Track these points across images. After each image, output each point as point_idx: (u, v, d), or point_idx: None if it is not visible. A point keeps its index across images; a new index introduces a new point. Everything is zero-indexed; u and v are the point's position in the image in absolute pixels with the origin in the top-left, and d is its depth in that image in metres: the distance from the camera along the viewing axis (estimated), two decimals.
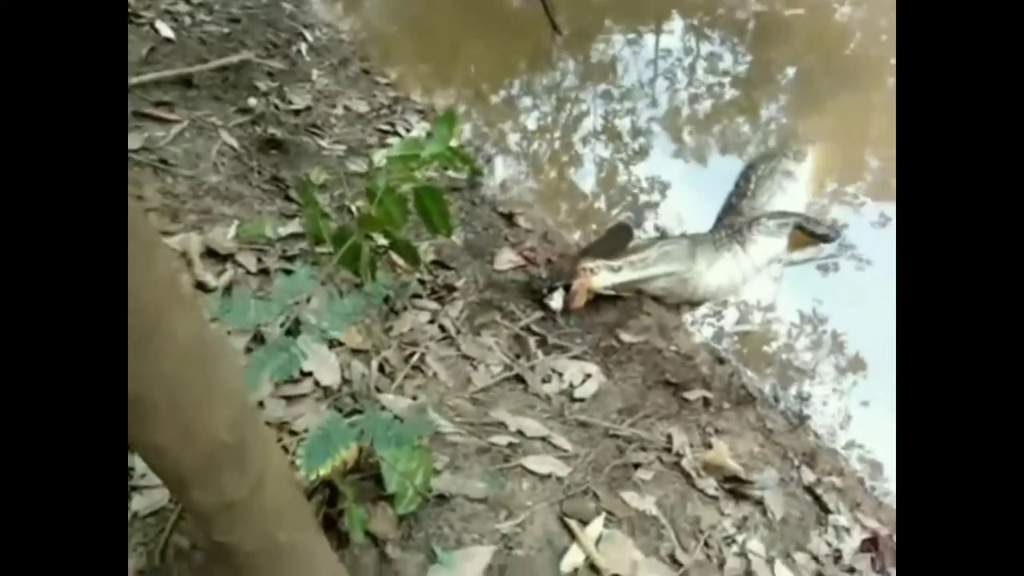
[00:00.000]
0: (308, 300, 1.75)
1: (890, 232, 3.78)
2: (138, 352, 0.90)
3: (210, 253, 2.45)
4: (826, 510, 2.51)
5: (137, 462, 1.70)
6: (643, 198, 4.02)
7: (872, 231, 3.79)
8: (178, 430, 1.01)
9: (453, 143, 2.19)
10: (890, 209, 3.89)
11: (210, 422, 1.05)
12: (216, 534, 1.20)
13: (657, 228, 3.73)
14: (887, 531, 2.56)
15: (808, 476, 2.61)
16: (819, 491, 2.57)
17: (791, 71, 5.19)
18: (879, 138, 4.45)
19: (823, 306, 3.43)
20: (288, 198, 2.94)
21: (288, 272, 2.46)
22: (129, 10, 3.48)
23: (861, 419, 3.08)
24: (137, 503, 1.64)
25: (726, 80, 5.09)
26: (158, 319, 0.90)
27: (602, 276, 2.95)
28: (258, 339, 2.06)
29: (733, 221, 3.50)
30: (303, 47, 4.06)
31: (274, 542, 1.25)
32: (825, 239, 3.55)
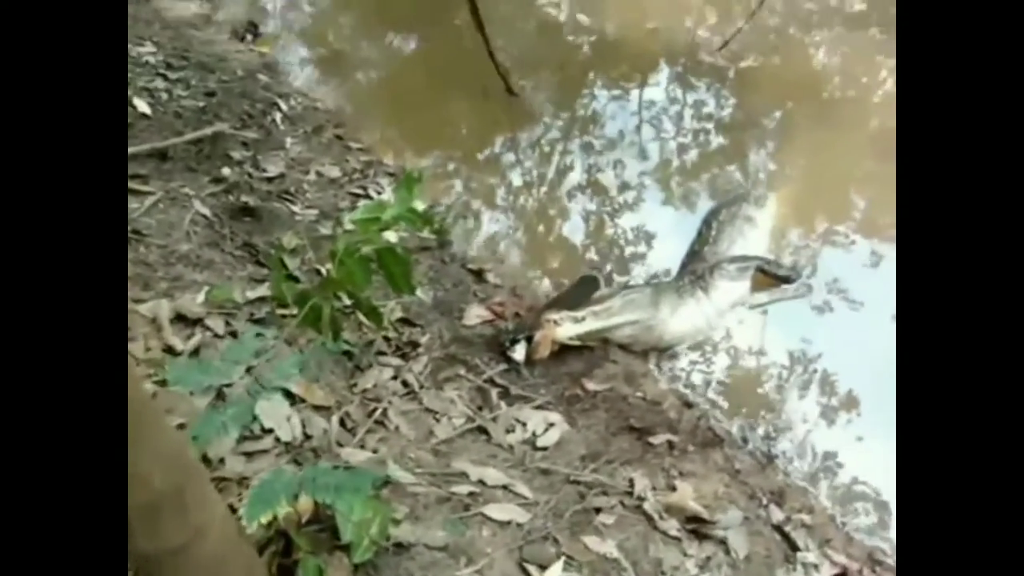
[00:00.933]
0: (267, 360, 1.83)
1: (881, 272, 3.87)
2: None
3: (179, 318, 2.53)
4: (795, 547, 2.55)
5: None
6: (629, 249, 4.10)
7: (863, 272, 3.87)
8: None
9: (421, 205, 2.28)
10: (880, 247, 3.99)
11: (145, 474, 1.12)
12: None
13: (647, 278, 3.82)
14: (857, 566, 2.59)
15: (777, 514, 2.65)
16: (788, 529, 2.60)
17: (775, 116, 5.32)
18: (864, 177, 4.55)
19: (813, 346, 3.50)
20: (259, 263, 3.03)
21: (259, 335, 2.54)
22: None
23: (856, 454, 3.12)
24: None
25: (710, 126, 5.22)
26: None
27: (566, 327, 3.03)
28: (221, 398, 2.13)
29: (696, 267, 3.59)
30: (277, 116, 4.20)
31: None
32: (787, 280, 3.65)
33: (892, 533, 2.83)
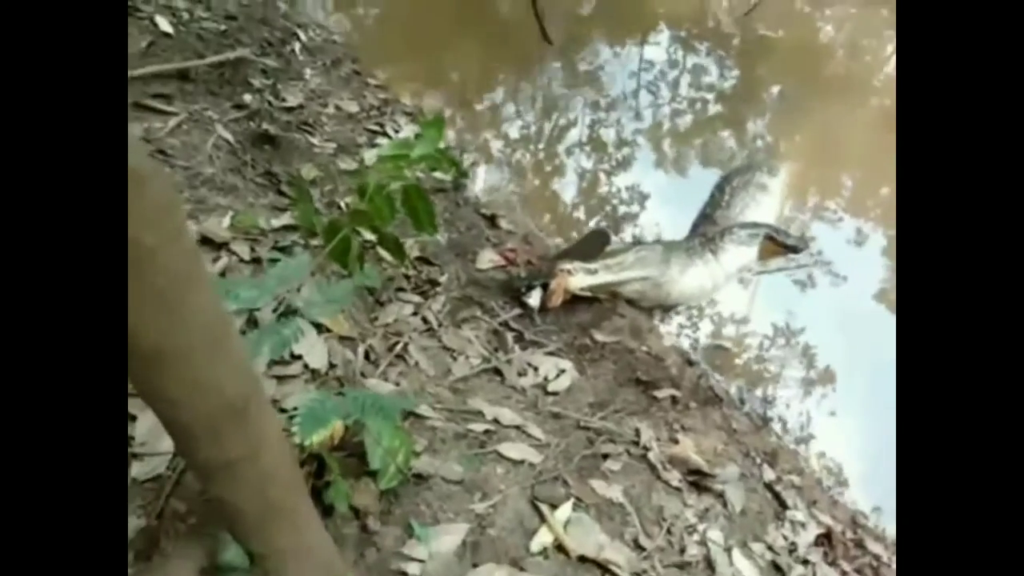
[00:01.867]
0: (299, 289, 1.86)
1: (865, 250, 3.95)
2: (161, 310, 1.02)
3: (205, 241, 2.55)
4: (784, 505, 2.64)
5: (137, 431, 1.81)
6: (622, 209, 4.16)
7: (848, 248, 3.97)
8: (190, 386, 1.12)
9: (441, 143, 2.31)
10: (866, 226, 4.07)
11: (219, 382, 1.16)
12: (215, 489, 1.31)
13: (634, 237, 3.88)
14: (840, 527, 2.70)
15: (769, 474, 2.75)
16: (778, 488, 2.70)
17: (774, 89, 5.35)
18: (858, 156, 4.61)
19: (796, 319, 3.60)
20: (280, 192, 3.04)
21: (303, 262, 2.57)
22: (129, 4, 3.57)
23: (828, 428, 3.24)
24: (136, 470, 1.75)
25: (710, 95, 5.25)
26: (184, 284, 1.01)
27: (579, 277, 3.09)
28: (252, 322, 2.17)
29: (707, 230, 3.65)
30: (297, 46, 4.17)
31: (267, 500, 1.36)
32: (794, 249, 3.71)
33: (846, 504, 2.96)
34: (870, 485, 3.02)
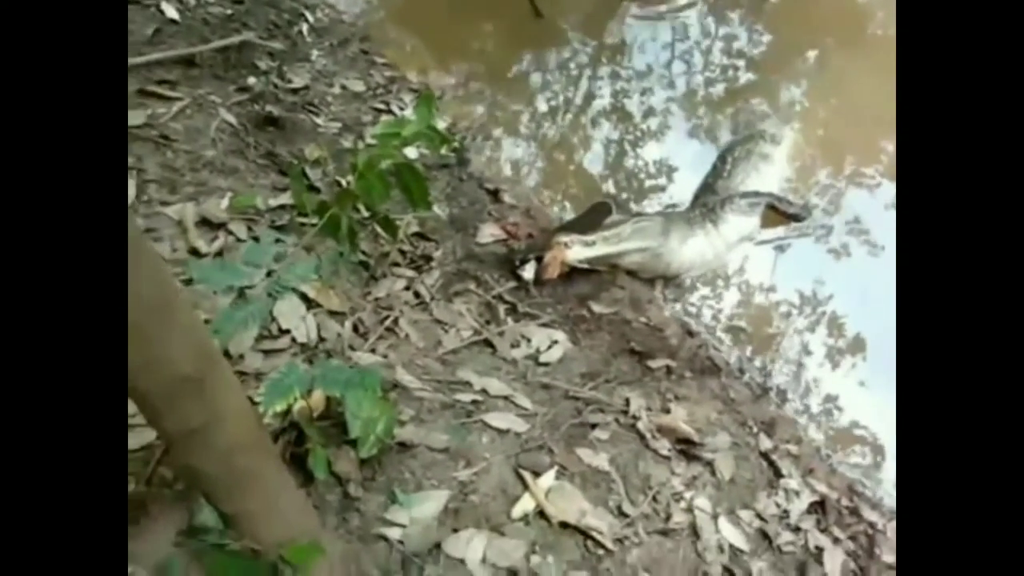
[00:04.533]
0: (269, 259, 1.93)
1: None
2: None
3: (204, 222, 2.63)
4: (778, 474, 2.67)
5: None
6: (648, 182, 4.15)
7: (887, 215, 3.88)
8: (142, 359, 1.20)
9: (441, 123, 2.35)
10: None
11: (170, 355, 1.24)
12: (181, 457, 1.39)
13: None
14: (836, 495, 2.72)
15: (765, 443, 2.77)
16: (774, 457, 2.73)
17: (810, 53, 5.25)
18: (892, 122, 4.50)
19: (825, 287, 3.56)
20: (282, 172, 3.11)
21: (278, 241, 2.65)
22: None
23: (857, 399, 3.21)
24: (129, 440, 1.84)
25: (741, 62, 5.18)
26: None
27: (576, 250, 3.11)
28: (242, 298, 2.24)
29: (707, 200, 3.65)
30: (304, 28, 4.22)
31: (233, 466, 1.44)
32: (796, 218, 3.70)
33: (883, 474, 2.94)
34: None
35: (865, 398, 3.22)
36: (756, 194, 3.65)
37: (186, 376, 1.27)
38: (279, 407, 1.55)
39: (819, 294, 3.55)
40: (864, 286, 3.53)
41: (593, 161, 4.24)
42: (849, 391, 3.25)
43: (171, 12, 3.65)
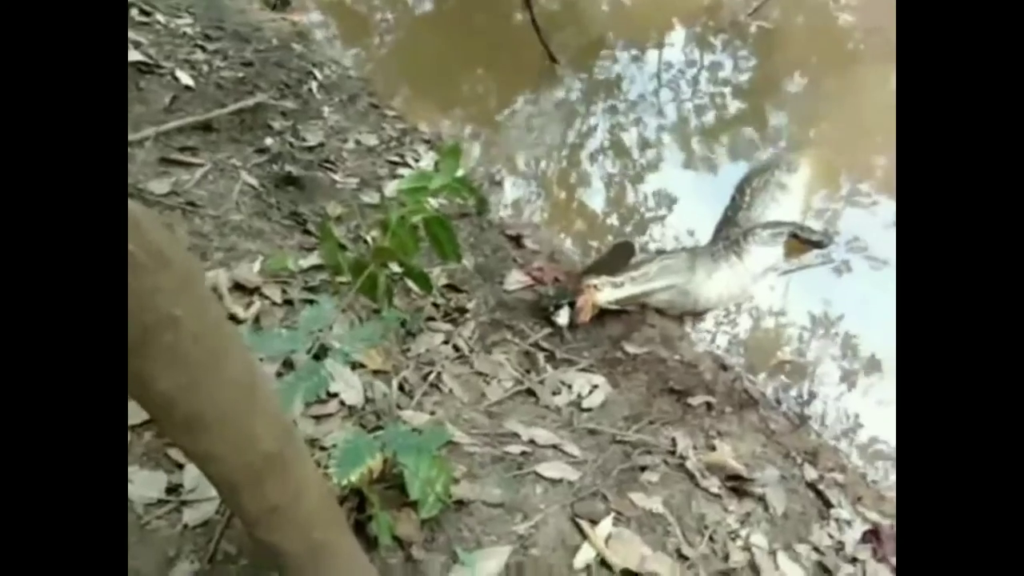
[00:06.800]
0: (331, 327, 1.93)
1: None
2: (198, 381, 1.08)
3: (238, 287, 2.63)
4: (828, 504, 2.65)
5: (185, 479, 1.89)
6: (649, 215, 4.18)
7: (886, 231, 3.93)
8: (229, 443, 1.19)
9: (460, 171, 2.36)
10: None
11: (255, 436, 1.22)
12: (261, 534, 1.37)
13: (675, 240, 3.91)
14: (888, 522, 2.69)
15: (811, 473, 2.75)
16: (821, 487, 2.70)
17: (796, 76, 5.34)
18: (888, 136, 4.57)
19: (834, 307, 3.58)
20: (307, 231, 3.12)
21: (311, 302, 2.65)
22: (151, 61, 3.70)
23: (878, 418, 3.20)
24: (188, 516, 1.82)
25: (728, 89, 5.25)
26: (216, 356, 1.07)
27: (606, 292, 3.12)
28: (287, 364, 2.24)
29: (730, 233, 3.67)
30: (313, 85, 4.26)
31: (312, 541, 1.42)
32: (819, 245, 3.72)
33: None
34: None
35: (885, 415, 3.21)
36: (778, 224, 3.67)
37: (269, 454, 1.26)
38: (352, 477, 1.54)
39: (830, 314, 3.57)
40: (869, 301, 3.57)
41: (594, 197, 4.28)
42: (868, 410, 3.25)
43: (186, 79, 3.69)
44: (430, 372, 2.58)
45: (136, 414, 1.92)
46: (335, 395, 2.26)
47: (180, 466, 1.93)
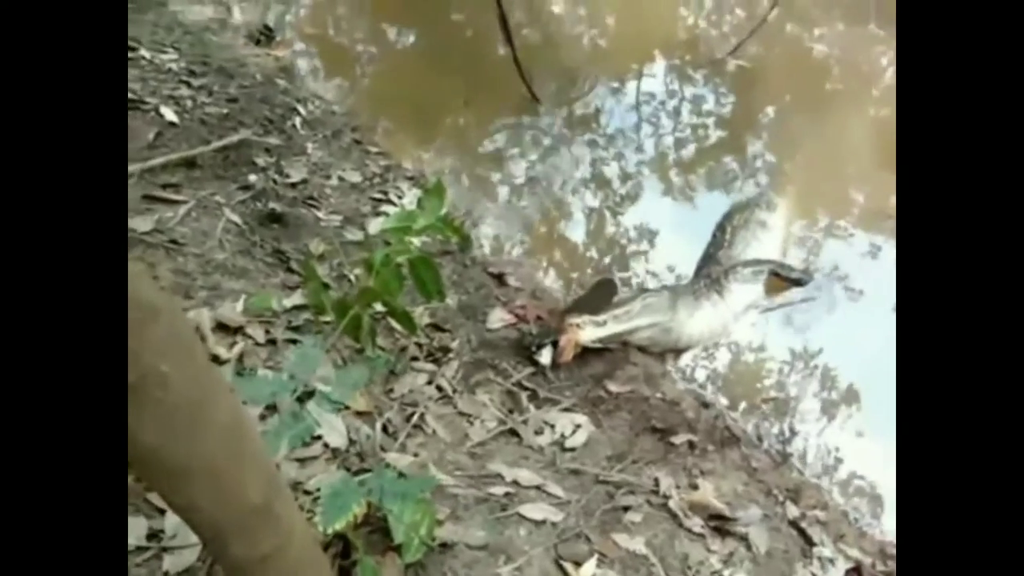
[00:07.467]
0: (314, 370, 1.93)
1: (880, 262, 4.02)
2: (184, 433, 1.08)
3: (221, 327, 2.62)
4: (810, 543, 2.66)
5: (166, 525, 1.87)
6: (631, 248, 4.22)
7: (862, 261, 4.05)
8: (216, 494, 1.18)
9: (444, 209, 2.37)
10: (879, 239, 4.13)
11: (243, 486, 1.22)
12: None
13: (653, 275, 3.96)
14: (870, 560, 2.71)
15: (792, 511, 2.76)
16: (803, 525, 2.71)
17: (772, 110, 5.44)
18: (863, 170, 4.67)
19: (813, 340, 3.64)
20: (290, 270, 3.12)
21: (294, 342, 2.64)
22: (135, 97, 3.70)
23: (857, 451, 3.25)
24: (168, 563, 1.80)
25: (709, 121, 5.34)
26: (203, 407, 1.07)
27: (588, 330, 3.14)
28: (271, 407, 2.23)
29: (711, 270, 3.70)
30: (297, 121, 4.27)
31: None
32: (799, 283, 3.76)
33: (883, 525, 2.98)
34: None
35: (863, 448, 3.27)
36: (758, 262, 3.72)
37: (256, 505, 1.26)
38: (339, 526, 1.53)
39: (809, 348, 3.62)
40: (846, 331, 3.65)
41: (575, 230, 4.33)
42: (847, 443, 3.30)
43: (170, 115, 3.70)
44: (413, 413, 2.58)
45: None
46: (319, 438, 2.25)
47: (161, 511, 1.91)
